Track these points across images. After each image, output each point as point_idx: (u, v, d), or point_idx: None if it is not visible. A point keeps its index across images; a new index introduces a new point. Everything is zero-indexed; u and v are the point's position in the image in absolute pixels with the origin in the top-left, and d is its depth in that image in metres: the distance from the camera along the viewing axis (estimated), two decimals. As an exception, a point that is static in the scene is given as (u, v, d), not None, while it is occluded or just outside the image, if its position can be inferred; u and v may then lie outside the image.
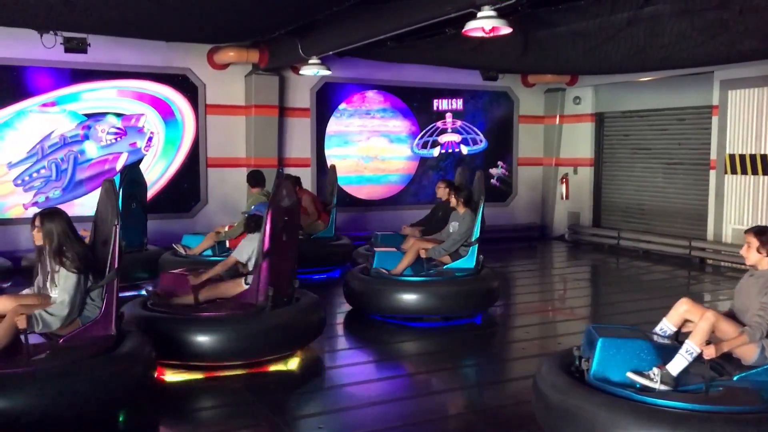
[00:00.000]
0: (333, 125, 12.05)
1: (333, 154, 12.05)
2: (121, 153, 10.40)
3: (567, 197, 13.69)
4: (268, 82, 11.06)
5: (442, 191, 8.72)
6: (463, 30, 6.55)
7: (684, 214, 11.74)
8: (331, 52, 9.26)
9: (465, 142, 13.23)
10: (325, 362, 6.11)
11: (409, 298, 6.85)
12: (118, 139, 10.37)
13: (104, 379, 4.16)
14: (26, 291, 4.71)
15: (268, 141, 11.21)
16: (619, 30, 7.61)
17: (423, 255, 7.15)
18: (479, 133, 13.37)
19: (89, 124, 10.17)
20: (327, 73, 9.90)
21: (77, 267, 4.39)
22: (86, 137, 10.17)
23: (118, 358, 4.31)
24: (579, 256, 12.22)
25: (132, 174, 8.89)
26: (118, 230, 4.42)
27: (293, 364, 5.70)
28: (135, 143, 10.47)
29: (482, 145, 13.41)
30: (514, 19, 6.77)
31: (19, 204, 9.78)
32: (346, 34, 8.29)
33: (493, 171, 13.52)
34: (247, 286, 5.67)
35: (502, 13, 6.30)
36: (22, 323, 4.12)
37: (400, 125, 12.63)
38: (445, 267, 7.28)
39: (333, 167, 10.35)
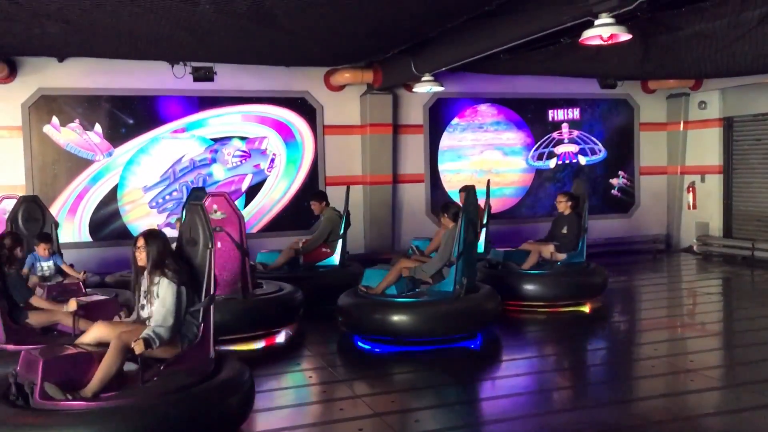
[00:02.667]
0: (446, 140, 12.08)
1: (446, 169, 12.08)
2: (246, 174, 10.91)
3: (694, 207, 13.00)
4: (382, 101, 11.27)
5: (563, 205, 8.55)
6: (581, 39, 6.42)
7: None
8: (443, 68, 9.32)
9: (583, 152, 12.89)
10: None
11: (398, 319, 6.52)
12: (243, 161, 10.90)
13: (210, 405, 4.12)
14: (116, 319, 4.75)
15: (383, 158, 11.41)
16: (749, 29, 7.19)
17: (405, 274, 6.91)
18: (598, 142, 12.98)
19: (216, 147, 10.75)
20: (440, 89, 9.96)
21: (179, 279, 4.41)
22: (213, 160, 10.75)
23: (220, 385, 4.25)
24: (709, 268, 11.57)
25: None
26: (212, 254, 4.43)
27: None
28: (259, 165, 10.96)
29: (601, 155, 13.01)
30: (633, 25, 6.57)
31: (153, 225, 10.45)
32: (460, 49, 8.32)
33: (614, 181, 13.07)
34: None
35: (620, 20, 6.14)
36: (139, 347, 4.12)
37: (514, 137, 12.48)
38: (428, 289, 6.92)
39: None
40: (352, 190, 11.20)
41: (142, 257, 4.53)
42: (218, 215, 6.76)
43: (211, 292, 4.45)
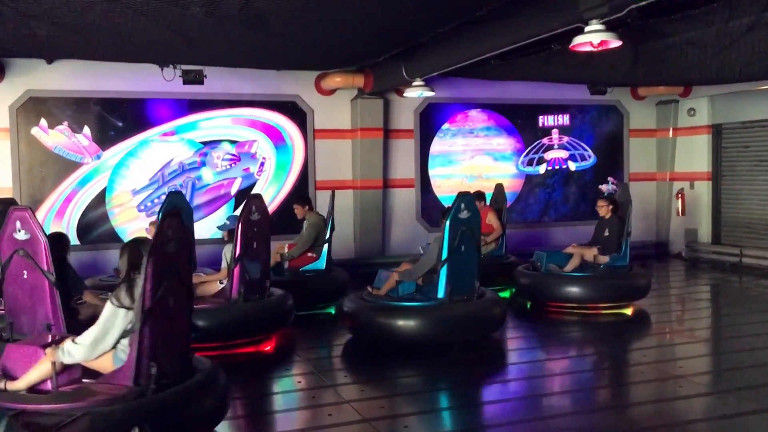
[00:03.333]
0: (437, 145, 12.10)
1: (437, 174, 12.09)
2: (236, 178, 10.88)
3: (683, 213, 13.07)
4: (373, 106, 11.27)
5: (604, 209, 8.74)
6: (571, 45, 6.44)
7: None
8: (434, 73, 9.34)
9: (573, 158, 12.93)
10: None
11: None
12: (233, 165, 10.86)
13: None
14: None
15: (374, 163, 11.40)
16: (738, 37, 7.25)
17: (396, 278, 7.02)
18: (587, 148, 13.03)
19: (206, 151, 10.71)
20: (431, 94, 9.97)
21: (121, 302, 4.06)
22: (203, 164, 10.71)
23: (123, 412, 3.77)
24: (698, 274, 11.62)
25: (174, 200, 8.29)
26: (149, 272, 3.92)
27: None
28: (248, 168, 10.93)
29: (591, 160, 13.06)
30: (623, 32, 6.60)
31: (142, 228, 10.37)
32: (451, 54, 8.34)
33: (603, 187, 13.11)
34: (221, 285, 6.95)
35: (610, 26, 6.16)
36: (51, 355, 3.98)
37: (504, 143, 12.51)
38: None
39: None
40: (343, 195, 11.27)
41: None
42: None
43: (142, 311, 3.93)
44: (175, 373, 4.15)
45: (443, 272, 6.64)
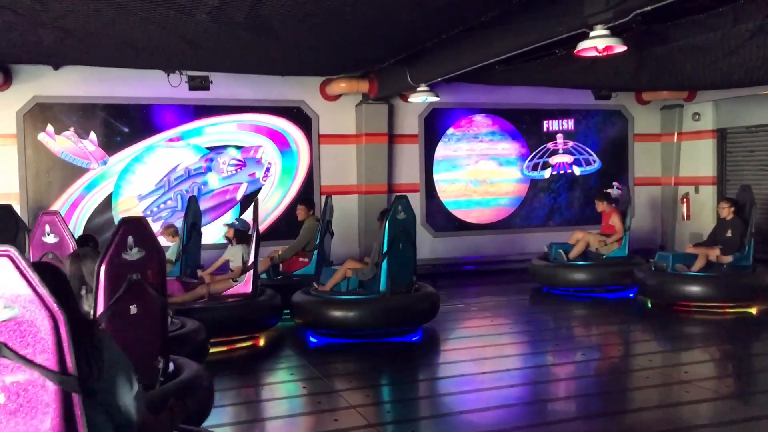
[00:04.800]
0: (441, 150, 12.11)
1: (441, 179, 12.10)
2: (241, 183, 10.91)
3: (688, 218, 13.05)
4: (378, 111, 11.29)
5: (726, 210, 8.85)
6: (576, 50, 6.45)
7: (821, 233, 10.90)
8: (439, 79, 9.36)
9: (577, 162, 12.94)
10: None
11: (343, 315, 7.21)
12: (238, 170, 10.89)
13: None
14: None
15: (378, 168, 11.42)
16: (743, 41, 7.25)
17: (349, 275, 7.51)
18: (592, 153, 13.04)
19: (211, 156, 10.75)
20: (435, 99, 9.99)
21: None
22: (209, 169, 10.75)
23: None
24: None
25: (194, 206, 8.62)
26: (102, 282, 3.88)
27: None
28: (254, 174, 10.96)
29: (596, 165, 13.06)
30: (628, 37, 6.61)
31: (149, 233, 10.41)
32: (455, 59, 8.36)
33: (609, 191, 13.09)
34: (236, 284, 7.28)
35: (615, 32, 6.17)
36: None
37: (509, 148, 12.52)
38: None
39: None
40: (347, 200, 11.30)
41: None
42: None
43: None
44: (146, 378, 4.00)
45: (384, 268, 7.19)
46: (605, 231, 10.15)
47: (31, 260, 5.28)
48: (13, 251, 1.86)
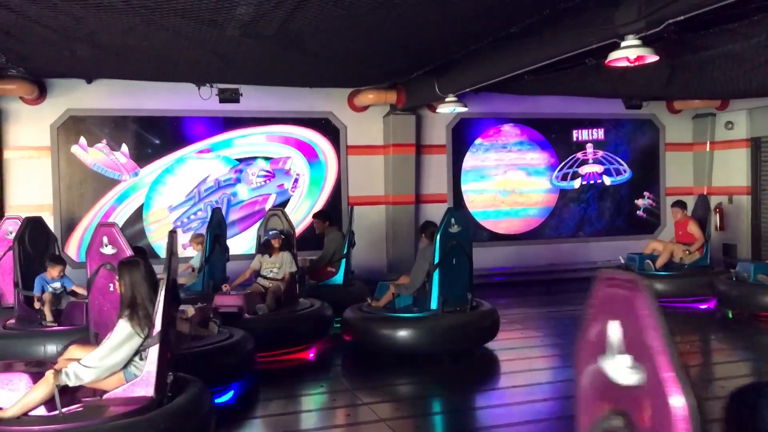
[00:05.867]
0: (469, 160, 12.06)
1: (469, 189, 12.05)
2: (270, 194, 10.97)
3: (722, 228, 12.82)
4: (406, 122, 11.29)
5: None
6: (607, 61, 6.38)
7: None
8: (467, 89, 9.32)
9: (608, 172, 12.80)
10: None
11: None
12: (267, 181, 10.96)
13: None
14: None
15: (406, 178, 11.40)
16: (779, 50, 7.12)
17: (392, 292, 7.23)
18: (623, 163, 12.89)
19: (241, 168, 10.83)
20: (463, 109, 9.95)
21: (138, 323, 4.20)
22: (238, 180, 10.83)
23: (149, 421, 3.97)
24: None
25: (218, 216, 8.68)
26: (162, 291, 4.19)
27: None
28: (282, 185, 11.02)
29: (626, 175, 12.91)
30: (659, 46, 6.52)
31: (179, 244, 10.51)
32: (484, 70, 8.32)
33: (639, 202, 12.96)
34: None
35: (647, 41, 6.09)
36: (52, 378, 3.95)
37: (538, 158, 12.43)
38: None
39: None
40: (375, 211, 11.30)
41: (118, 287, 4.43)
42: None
43: (157, 329, 4.16)
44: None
45: (435, 284, 6.91)
46: (682, 240, 10.00)
47: (88, 273, 5.51)
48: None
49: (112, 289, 5.40)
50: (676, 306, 9.39)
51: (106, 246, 5.46)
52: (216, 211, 8.64)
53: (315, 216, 9.56)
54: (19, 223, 7.62)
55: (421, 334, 6.81)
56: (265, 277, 7.77)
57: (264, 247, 7.91)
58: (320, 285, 8.88)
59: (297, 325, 7.24)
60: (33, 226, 7.50)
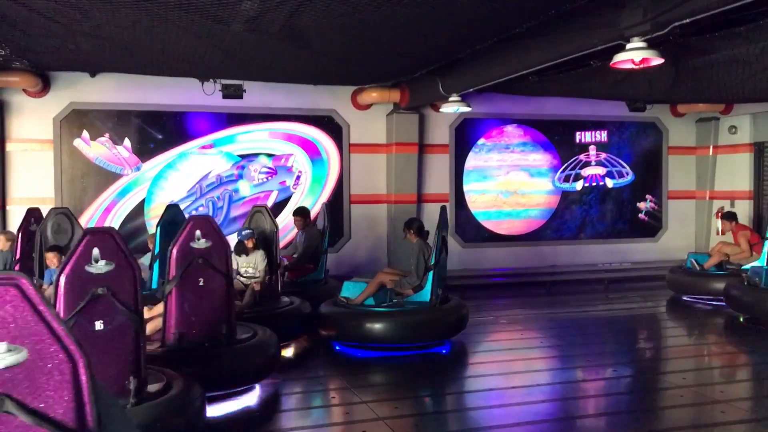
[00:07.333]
0: (471, 160, 12.05)
1: (471, 189, 12.04)
2: (272, 191, 10.97)
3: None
4: (409, 120, 11.28)
5: None
6: (612, 63, 6.37)
7: None
8: (471, 89, 9.31)
9: (610, 175, 12.78)
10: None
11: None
12: (269, 178, 10.95)
13: None
14: None
15: (408, 177, 11.39)
16: (784, 55, 7.11)
17: (389, 286, 7.42)
18: (625, 165, 12.87)
19: (243, 164, 10.82)
20: (467, 109, 9.95)
21: None
22: (240, 176, 10.82)
23: None
24: None
25: (171, 213, 8.08)
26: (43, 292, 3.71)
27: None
28: (284, 182, 11.01)
29: (629, 178, 12.89)
30: (664, 49, 6.51)
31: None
32: (488, 70, 8.31)
33: (641, 205, 12.94)
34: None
35: (652, 44, 6.09)
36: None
37: (540, 159, 12.41)
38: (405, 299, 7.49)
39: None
40: (377, 209, 11.29)
41: None
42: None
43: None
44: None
45: (430, 278, 7.27)
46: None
47: (175, 267, 5.29)
48: (23, 279, 1.49)
49: (201, 283, 5.38)
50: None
51: (199, 240, 5.32)
52: (172, 207, 8.18)
53: (295, 213, 9.53)
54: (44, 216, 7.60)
55: (418, 326, 7.20)
56: (243, 276, 7.79)
57: (238, 247, 7.88)
58: (299, 281, 8.94)
59: (277, 322, 7.14)
60: (57, 217, 7.50)
